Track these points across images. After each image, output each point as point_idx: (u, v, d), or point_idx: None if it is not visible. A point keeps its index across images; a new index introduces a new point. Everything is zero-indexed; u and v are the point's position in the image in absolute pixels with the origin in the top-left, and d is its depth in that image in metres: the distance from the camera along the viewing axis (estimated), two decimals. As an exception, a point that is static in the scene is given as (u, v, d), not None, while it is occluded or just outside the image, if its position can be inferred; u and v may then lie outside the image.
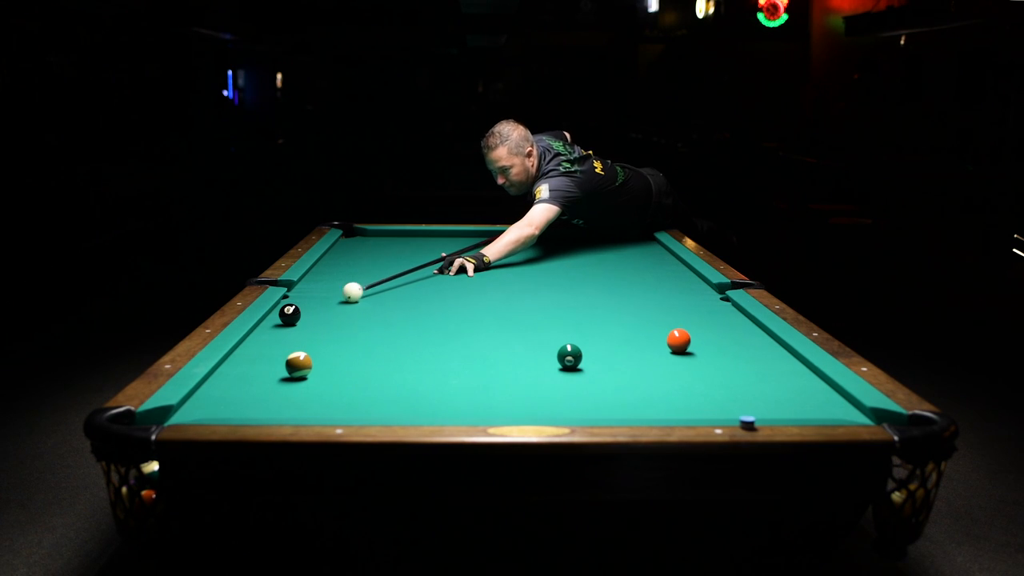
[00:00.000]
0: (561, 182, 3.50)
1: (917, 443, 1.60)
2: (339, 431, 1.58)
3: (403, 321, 2.54)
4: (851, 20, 10.30)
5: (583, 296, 2.90)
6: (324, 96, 18.96)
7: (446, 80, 19.97)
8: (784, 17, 11.71)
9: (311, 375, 2.02)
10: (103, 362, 4.43)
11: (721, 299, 2.82)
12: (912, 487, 1.60)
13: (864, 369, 2.00)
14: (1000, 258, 6.57)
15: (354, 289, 2.74)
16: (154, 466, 1.57)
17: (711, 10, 13.03)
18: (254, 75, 17.89)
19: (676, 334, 2.24)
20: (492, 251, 3.34)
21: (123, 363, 4.16)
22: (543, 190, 3.49)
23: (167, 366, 1.97)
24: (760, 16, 11.77)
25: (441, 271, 3.21)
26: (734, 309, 2.70)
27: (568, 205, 3.51)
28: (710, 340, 2.33)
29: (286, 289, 2.84)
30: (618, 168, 3.78)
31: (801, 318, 2.45)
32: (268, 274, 2.96)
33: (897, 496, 1.61)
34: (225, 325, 2.32)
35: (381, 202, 9.31)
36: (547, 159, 3.59)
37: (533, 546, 1.75)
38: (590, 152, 3.75)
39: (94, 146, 9.38)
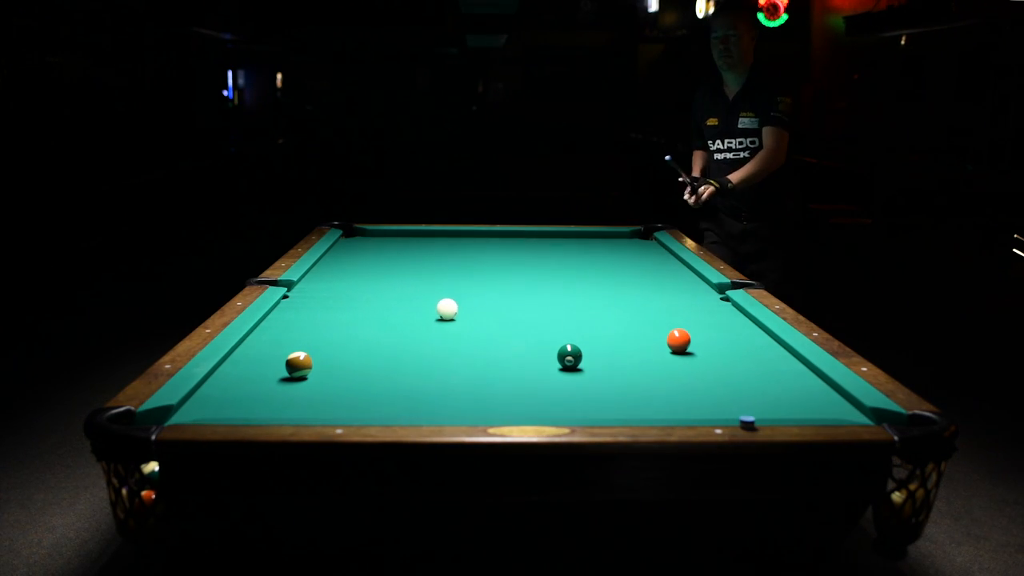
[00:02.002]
0: (792, 94, 3.45)
1: (917, 443, 1.60)
2: (339, 431, 1.58)
3: (403, 321, 2.54)
4: (851, 20, 10.30)
5: (583, 296, 2.90)
6: (324, 96, 18.96)
7: (446, 80, 19.96)
8: (784, 17, 11.69)
9: (311, 375, 2.02)
10: (103, 362, 4.44)
11: (721, 299, 2.82)
12: (912, 487, 1.60)
13: (864, 369, 2.00)
14: (1000, 258, 6.57)
15: (449, 306, 2.50)
16: (154, 466, 1.57)
17: (711, 10, 13.03)
18: (254, 75, 17.86)
19: (676, 334, 2.24)
20: (739, 179, 3.42)
21: (123, 363, 4.16)
22: (789, 103, 3.43)
23: (167, 366, 1.97)
24: (760, 16, 11.75)
25: (693, 198, 3.37)
26: (734, 309, 2.69)
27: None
28: (710, 340, 2.33)
29: (286, 289, 2.84)
30: None
31: (801, 318, 2.45)
32: (268, 274, 2.95)
33: (897, 496, 1.61)
34: (225, 325, 2.32)
35: (382, 202, 9.31)
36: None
37: (533, 546, 1.75)
38: None
39: (93, 146, 9.37)
